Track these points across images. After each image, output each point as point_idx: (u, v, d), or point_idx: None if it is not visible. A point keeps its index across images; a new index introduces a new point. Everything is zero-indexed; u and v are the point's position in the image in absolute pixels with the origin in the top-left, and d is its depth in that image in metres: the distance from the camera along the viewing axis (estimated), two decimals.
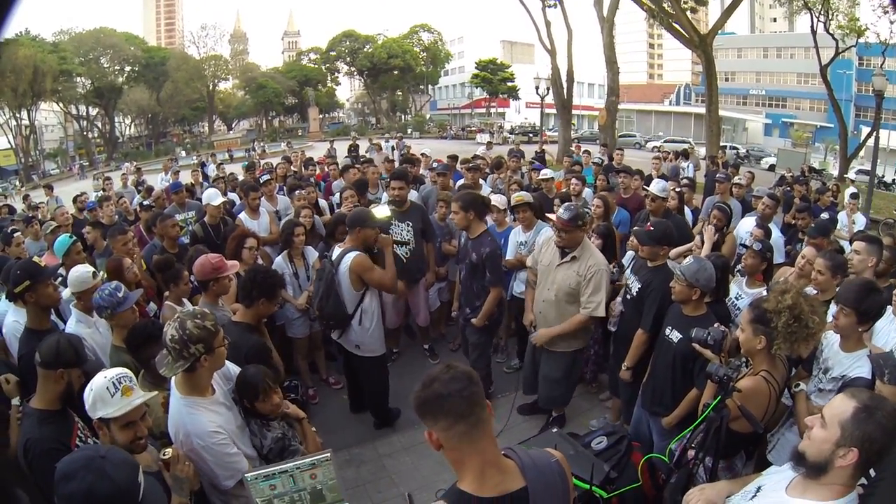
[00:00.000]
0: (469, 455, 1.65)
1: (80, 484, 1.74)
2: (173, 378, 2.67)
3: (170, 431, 2.65)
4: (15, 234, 6.42)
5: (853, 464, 1.76)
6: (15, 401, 2.95)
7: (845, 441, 1.77)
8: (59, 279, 4.46)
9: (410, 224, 5.83)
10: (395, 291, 5.19)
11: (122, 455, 1.91)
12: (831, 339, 3.22)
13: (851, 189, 10.11)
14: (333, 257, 4.60)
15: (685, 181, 8.07)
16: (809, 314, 2.78)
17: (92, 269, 4.04)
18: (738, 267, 5.23)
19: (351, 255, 4.46)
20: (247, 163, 15.62)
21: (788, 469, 2.00)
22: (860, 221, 8.22)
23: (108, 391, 2.29)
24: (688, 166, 11.98)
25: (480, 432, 1.65)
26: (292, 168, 10.59)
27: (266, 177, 7.48)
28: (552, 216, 4.66)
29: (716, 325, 3.38)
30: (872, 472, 1.98)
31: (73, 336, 2.88)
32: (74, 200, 10.34)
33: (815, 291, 3.89)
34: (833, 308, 3.61)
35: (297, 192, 6.82)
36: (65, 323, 4.11)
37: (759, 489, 2.12)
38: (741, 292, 4.43)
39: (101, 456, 1.82)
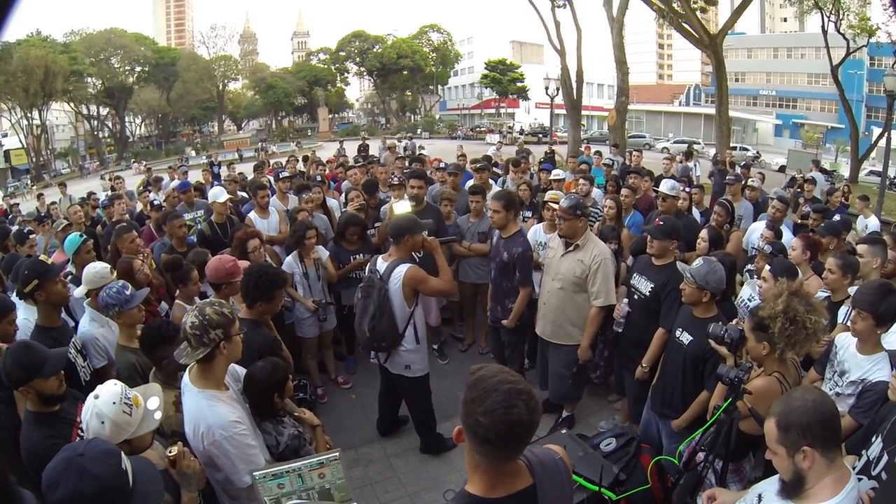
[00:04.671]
0: (489, 465, 1.61)
1: (64, 489, 1.72)
2: (186, 375, 2.66)
3: (187, 428, 2.61)
4: (31, 236, 6.48)
5: (817, 458, 1.80)
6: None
7: (792, 450, 1.83)
8: (70, 277, 4.49)
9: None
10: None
11: (101, 446, 1.87)
12: (846, 342, 3.14)
13: None
14: (381, 272, 4.20)
15: (684, 180, 8.07)
16: (805, 314, 2.74)
17: (109, 265, 4.05)
18: (749, 267, 5.20)
19: (403, 269, 4.08)
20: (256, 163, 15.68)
21: None
22: (873, 224, 8.12)
23: (125, 414, 2.20)
24: (694, 166, 12.05)
25: (515, 457, 1.64)
26: (298, 167, 10.64)
27: (285, 173, 7.50)
28: (555, 205, 4.80)
29: (734, 322, 3.35)
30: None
31: (14, 350, 2.71)
32: (88, 198, 10.45)
33: (827, 293, 3.86)
34: (843, 309, 3.57)
35: (304, 193, 6.81)
36: (74, 320, 4.13)
37: (760, 497, 2.11)
38: (755, 294, 4.37)
39: (79, 454, 1.79)
